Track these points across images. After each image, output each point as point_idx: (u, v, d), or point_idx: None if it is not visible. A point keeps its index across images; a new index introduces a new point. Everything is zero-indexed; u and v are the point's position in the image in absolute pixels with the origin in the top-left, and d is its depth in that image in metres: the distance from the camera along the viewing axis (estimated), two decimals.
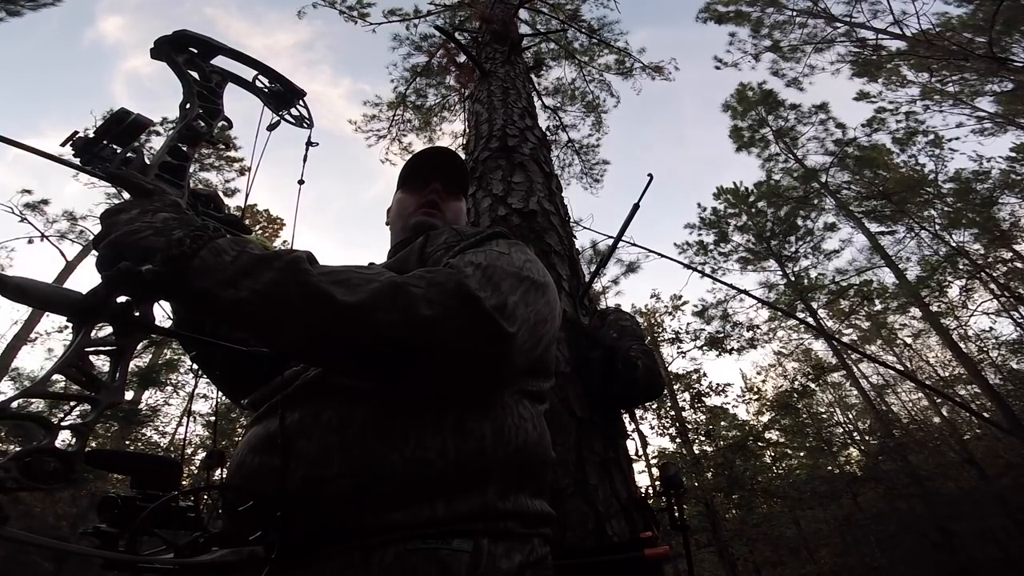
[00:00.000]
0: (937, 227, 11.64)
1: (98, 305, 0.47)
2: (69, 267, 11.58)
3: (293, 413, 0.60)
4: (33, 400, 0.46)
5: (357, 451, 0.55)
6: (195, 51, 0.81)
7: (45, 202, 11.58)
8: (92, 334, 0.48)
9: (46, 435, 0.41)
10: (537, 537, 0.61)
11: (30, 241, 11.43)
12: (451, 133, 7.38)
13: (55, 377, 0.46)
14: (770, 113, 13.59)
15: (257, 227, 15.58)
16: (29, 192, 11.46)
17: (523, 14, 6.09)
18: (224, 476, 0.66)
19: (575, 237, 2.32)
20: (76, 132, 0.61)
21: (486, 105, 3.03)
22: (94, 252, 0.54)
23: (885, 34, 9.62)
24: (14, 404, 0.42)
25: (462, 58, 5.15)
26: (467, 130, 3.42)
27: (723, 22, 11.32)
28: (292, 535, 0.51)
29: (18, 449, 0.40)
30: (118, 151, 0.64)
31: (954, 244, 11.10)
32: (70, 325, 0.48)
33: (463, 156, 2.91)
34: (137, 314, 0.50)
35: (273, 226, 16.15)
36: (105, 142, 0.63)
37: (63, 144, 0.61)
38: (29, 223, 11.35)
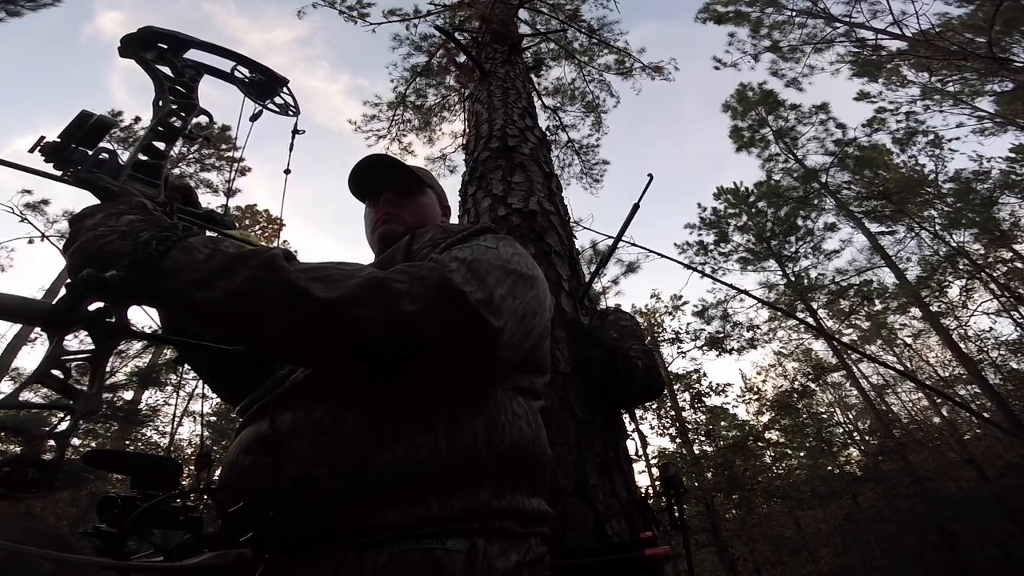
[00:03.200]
0: (937, 227, 11.65)
1: (67, 313, 0.47)
2: None
3: (284, 414, 0.60)
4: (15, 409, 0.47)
5: (348, 451, 0.54)
6: (164, 46, 0.78)
7: (45, 202, 11.59)
8: (71, 343, 0.49)
9: (26, 445, 0.41)
10: (534, 536, 0.60)
11: (30, 241, 11.42)
12: (451, 133, 7.38)
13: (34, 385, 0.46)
14: (770, 113, 13.59)
15: (257, 227, 15.57)
16: (29, 192, 11.46)
17: (523, 14, 6.08)
18: (214, 476, 0.65)
19: (575, 237, 2.32)
20: (43, 137, 0.60)
21: (486, 105, 3.03)
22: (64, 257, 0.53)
23: (885, 34, 9.63)
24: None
25: (462, 58, 5.15)
26: (467, 130, 3.42)
27: (722, 22, 11.31)
28: (286, 535, 0.50)
29: None
30: (89, 153, 0.62)
31: (954, 244, 11.10)
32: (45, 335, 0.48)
33: (463, 156, 2.91)
34: (112, 319, 0.50)
35: (273, 226, 16.13)
36: (73, 145, 0.62)
37: (31, 150, 0.60)
38: (29, 223, 11.34)
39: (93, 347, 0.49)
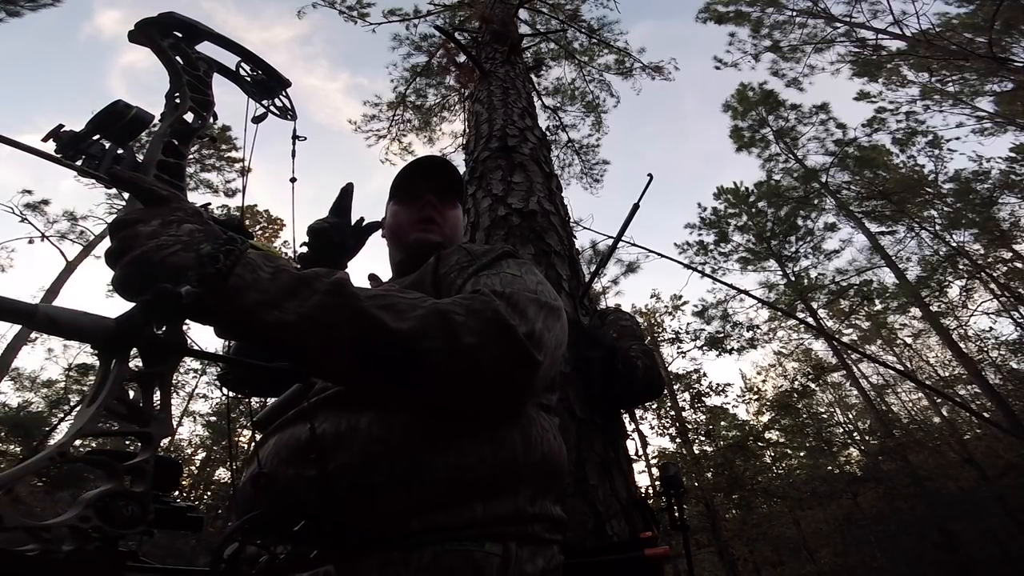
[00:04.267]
0: (937, 227, 11.64)
1: (137, 332, 0.43)
2: (69, 267, 11.58)
3: (324, 423, 0.60)
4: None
5: (403, 458, 0.56)
6: (180, 35, 0.73)
7: (45, 202, 11.61)
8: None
9: (110, 478, 0.39)
10: (556, 544, 0.64)
11: (30, 241, 11.44)
12: (451, 133, 7.39)
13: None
14: (770, 113, 13.58)
15: (257, 227, 15.57)
16: (30, 192, 11.48)
17: (523, 14, 6.08)
18: (246, 486, 0.64)
19: (575, 237, 2.32)
20: (61, 126, 0.54)
21: (486, 105, 3.03)
22: (109, 268, 0.47)
23: (885, 34, 9.62)
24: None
25: (462, 58, 5.15)
26: (467, 130, 3.42)
27: (723, 22, 11.31)
28: (342, 542, 0.52)
29: (87, 495, 0.37)
30: (107, 147, 0.56)
31: (954, 244, 11.10)
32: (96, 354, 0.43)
33: (463, 156, 2.91)
34: (159, 334, 0.46)
35: (273, 226, 16.13)
36: (96, 138, 0.56)
37: (45, 139, 0.53)
38: (29, 223, 11.36)
39: (147, 368, 0.45)
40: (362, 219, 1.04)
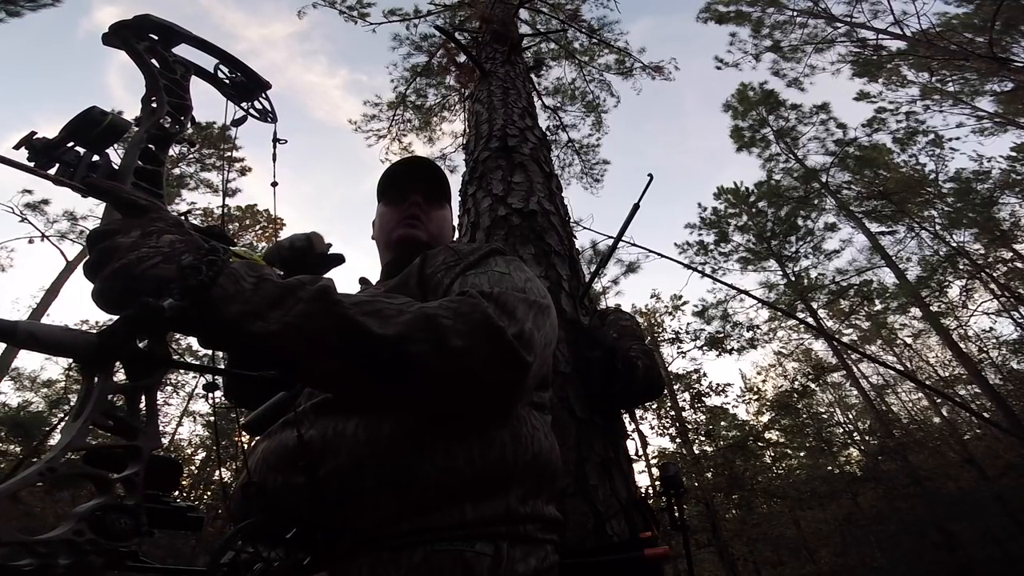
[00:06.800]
0: (937, 227, 11.65)
1: (118, 346, 0.43)
2: (69, 267, 11.58)
3: (310, 429, 0.60)
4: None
5: (391, 462, 0.56)
6: (156, 38, 0.71)
7: (46, 202, 11.60)
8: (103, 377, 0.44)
9: (102, 492, 0.39)
10: (550, 544, 0.64)
11: (30, 241, 11.44)
12: (451, 133, 7.39)
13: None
14: (771, 113, 13.58)
15: (257, 227, 15.57)
16: (30, 192, 11.47)
17: (523, 14, 6.08)
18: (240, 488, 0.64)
19: (575, 237, 2.32)
20: (34, 132, 0.52)
21: (486, 105, 3.03)
22: (88, 281, 0.47)
23: (885, 34, 9.61)
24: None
25: (462, 58, 5.15)
26: (467, 130, 3.42)
27: (724, 22, 11.31)
28: (334, 546, 0.53)
29: (80, 508, 0.37)
30: (82, 154, 0.55)
31: (954, 244, 11.10)
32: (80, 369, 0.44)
33: (463, 156, 2.91)
34: (141, 347, 0.46)
35: (273, 226, 16.13)
36: (70, 145, 0.54)
37: (16, 147, 0.51)
38: (29, 223, 11.36)
39: (132, 381, 0.46)
40: (329, 244, 1.05)
